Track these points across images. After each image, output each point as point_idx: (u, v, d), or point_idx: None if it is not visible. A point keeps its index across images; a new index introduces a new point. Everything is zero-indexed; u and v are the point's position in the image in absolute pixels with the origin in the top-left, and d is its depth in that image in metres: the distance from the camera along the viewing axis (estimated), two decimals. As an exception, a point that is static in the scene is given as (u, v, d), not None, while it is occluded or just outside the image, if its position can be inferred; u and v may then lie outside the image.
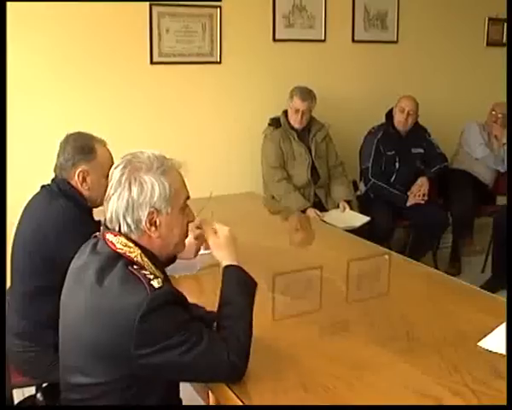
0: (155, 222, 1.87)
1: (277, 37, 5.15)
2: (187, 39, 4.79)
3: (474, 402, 1.81)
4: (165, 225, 1.89)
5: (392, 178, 5.10)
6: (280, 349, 2.10)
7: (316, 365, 2.02)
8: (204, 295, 2.05)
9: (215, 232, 2.10)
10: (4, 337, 1.62)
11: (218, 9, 4.84)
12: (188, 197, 1.97)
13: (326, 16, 5.31)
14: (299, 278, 3.03)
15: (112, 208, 1.86)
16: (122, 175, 1.85)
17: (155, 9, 4.63)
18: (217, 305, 1.98)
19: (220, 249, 2.07)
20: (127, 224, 1.85)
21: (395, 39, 5.72)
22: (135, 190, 1.83)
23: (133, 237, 1.86)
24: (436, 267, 4.93)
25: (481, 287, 4.92)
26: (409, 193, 5.06)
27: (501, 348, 2.08)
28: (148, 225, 1.85)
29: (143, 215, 1.84)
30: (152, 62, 4.70)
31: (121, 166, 1.87)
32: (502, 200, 5.66)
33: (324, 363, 2.03)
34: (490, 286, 4.99)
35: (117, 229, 1.86)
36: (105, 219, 1.90)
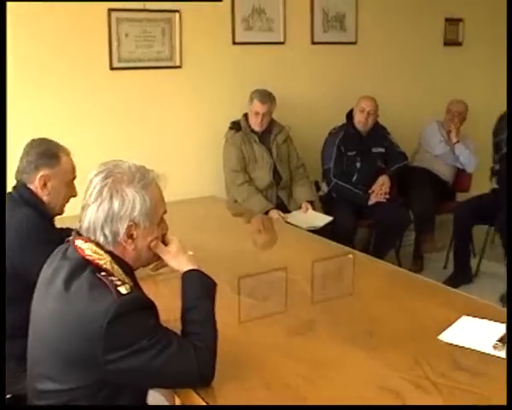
0: (132, 235, 1.88)
1: (237, 40, 5.17)
2: (146, 44, 4.78)
3: (435, 394, 1.84)
4: (142, 238, 1.91)
5: (354, 178, 5.14)
6: (245, 351, 2.11)
7: (280, 364, 2.04)
8: (163, 300, 2.04)
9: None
10: (4, 337, 1.63)
11: (177, 14, 4.84)
12: (165, 211, 1.99)
13: (285, 19, 5.34)
14: (263, 279, 3.04)
15: (90, 218, 1.86)
16: (104, 186, 1.85)
17: (114, 15, 4.59)
18: (180, 310, 1.97)
19: (175, 258, 2.04)
20: (104, 235, 1.85)
21: (354, 40, 5.78)
22: (116, 202, 1.84)
23: (107, 247, 1.87)
24: (399, 265, 5.00)
25: (444, 282, 5.04)
26: (370, 192, 5.10)
27: (460, 341, 2.13)
28: (125, 237, 1.86)
29: (122, 228, 1.85)
30: (112, 68, 4.67)
31: (102, 176, 1.87)
32: (461, 196, 5.76)
33: (288, 362, 2.05)
34: (452, 281, 5.10)
35: (92, 238, 1.86)
36: (80, 227, 1.90)
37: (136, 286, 1.93)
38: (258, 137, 4.85)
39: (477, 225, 5.31)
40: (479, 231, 5.39)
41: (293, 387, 1.91)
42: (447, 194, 5.73)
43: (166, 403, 2.21)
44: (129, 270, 1.92)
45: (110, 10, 4.58)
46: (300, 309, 2.56)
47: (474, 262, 5.38)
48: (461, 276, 5.21)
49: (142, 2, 4.67)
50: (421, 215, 5.39)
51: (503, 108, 6.12)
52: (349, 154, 5.14)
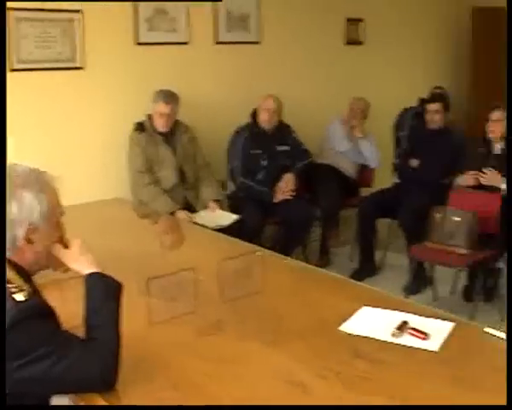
0: (31, 239, 1.85)
1: (140, 40, 5.14)
2: (46, 45, 4.68)
3: (337, 383, 1.90)
4: (41, 241, 1.88)
5: (260, 176, 5.19)
6: (153, 352, 2.10)
7: (187, 364, 2.05)
8: (69, 305, 2.02)
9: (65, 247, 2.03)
10: (4, 337, 1.59)
11: (80, 14, 4.77)
12: (62, 213, 1.96)
13: (189, 19, 5.35)
14: (172, 280, 3.04)
15: None
16: None
17: (12, 15, 4.48)
18: (82, 315, 1.94)
19: (76, 260, 2.02)
20: None
21: (258, 40, 5.85)
22: (14, 207, 1.80)
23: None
24: (306, 261, 5.06)
25: (351, 276, 5.17)
26: (276, 190, 5.16)
27: (360, 331, 2.20)
28: (24, 242, 1.83)
29: (20, 233, 1.82)
30: (12, 69, 4.55)
31: None
32: (365, 191, 5.91)
33: (196, 362, 2.06)
34: (358, 275, 5.24)
35: None
36: None
37: (35, 292, 1.89)
38: (162, 138, 4.83)
39: (380, 219, 5.47)
40: (382, 224, 5.55)
41: (201, 386, 1.92)
42: (351, 189, 5.86)
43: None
44: (27, 275, 1.89)
45: (9, 9, 4.46)
46: (209, 309, 2.58)
47: (378, 255, 5.53)
48: (366, 269, 5.35)
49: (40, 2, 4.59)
50: (327, 211, 5.52)
51: (404, 104, 6.35)
52: (254, 152, 5.19)
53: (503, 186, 4.68)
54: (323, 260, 5.61)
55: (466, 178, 4.89)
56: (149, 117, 4.86)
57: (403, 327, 2.19)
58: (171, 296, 2.81)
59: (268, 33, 5.88)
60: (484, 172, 4.79)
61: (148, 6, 5.13)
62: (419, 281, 5.00)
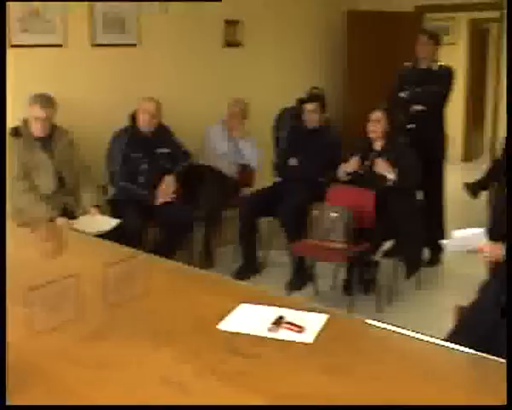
0: None
1: (14, 42, 4.98)
2: None
3: (214, 381, 1.93)
4: None
5: (140, 179, 5.16)
6: (31, 362, 2.06)
7: (66, 372, 2.02)
8: None
9: None
10: (5, 336, 1.49)
11: None
12: None
13: (64, 21, 5.24)
14: (53, 289, 2.96)
15: None
16: None
17: None
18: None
19: None
20: None
21: (136, 42, 5.81)
22: None
23: None
24: (190, 262, 5.08)
25: (235, 275, 5.24)
26: (157, 192, 5.14)
27: (237, 328, 2.25)
28: None
29: None
30: None
31: None
32: (246, 191, 5.99)
33: (75, 369, 2.03)
34: (242, 273, 5.33)
35: None
36: None
37: None
38: (39, 143, 4.71)
39: (262, 218, 5.57)
40: (264, 223, 5.66)
41: (77, 393, 1.90)
42: (232, 190, 5.92)
43: None
44: None
45: None
46: (90, 315, 2.55)
47: (261, 253, 5.63)
48: (249, 268, 5.44)
49: None
50: (209, 212, 5.56)
51: (283, 104, 6.50)
52: (135, 155, 5.16)
53: (390, 176, 4.89)
54: (207, 261, 5.65)
55: (351, 163, 5.06)
56: (25, 122, 4.73)
57: (279, 322, 2.25)
58: (53, 305, 2.75)
59: (146, 35, 5.85)
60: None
61: (21, 6, 4.97)
62: (301, 277, 5.14)
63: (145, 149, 5.20)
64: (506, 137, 4.86)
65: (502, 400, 1.74)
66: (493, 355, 2.07)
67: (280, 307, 2.40)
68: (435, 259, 5.88)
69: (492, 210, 3.81)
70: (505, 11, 7.44)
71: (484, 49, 11.10)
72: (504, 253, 3.49)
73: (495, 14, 8.03)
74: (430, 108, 5.63)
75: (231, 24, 6.67)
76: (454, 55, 10.10)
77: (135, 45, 5.82)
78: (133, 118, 5.26)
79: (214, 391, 1.90)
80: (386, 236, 5.08)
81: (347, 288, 5.01)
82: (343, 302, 4.78)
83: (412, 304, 5.00)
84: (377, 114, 5.08)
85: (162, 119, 5.37)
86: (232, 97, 6.05)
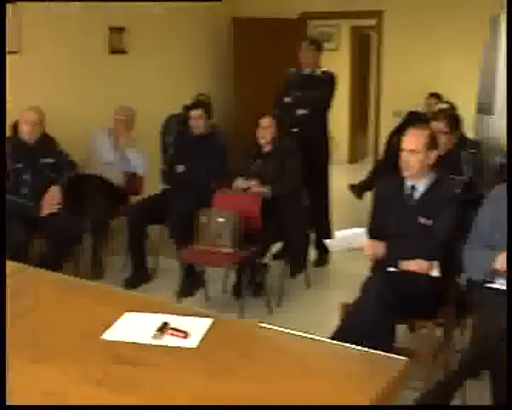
0: None
1: None
2: None
3: (100, 390, 1.93)
4: None
5: (24, 190, 5.04)
6: None
7: None
8: None
9: None
10: (5, 335, 1.36)
11: None
12: None
13: None
14: None
15: None
16: None
17: None
18: None
19: None
20: None
21: (16, 50, 5.66)
22: None
23: None
24: (77, 274, 4.99)
25: (124, 285, 5.20)
26: (42, 203, 5.03)
27: (122, 337, 2.25)
28: None
29: None
30: None
31: None
32: (134, 199, 5.95)
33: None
34: (131, 282, 5.30)
35: None
36: None
37: None
38: None
39: (151, 225, 5.55)
40: (154, 230, 5.64)
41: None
42: (120, 198, 5.89)
43: None
44: None
45: None
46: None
47: (151, 261, 5.61)
48: (139, 276, 5.41)
49: None
50: (96, 222, 5.48)
51: (170, 111, 6.52)
52: (17, 166, 5.02)
53: (266, 191, 5.00)
54: (96, 271, 5.56)
55: (245, 183, 5.12)
56: None
57: (163, 328, 2.27)
58: None
59: (27, 42, 5.72)
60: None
61: None
62: (191, 284, 5.15)
63: (28, 159, 5.08)
64: (506, 137, 4.89)
65: (387, 392, 1.83)
66: (376, 349, 2.16)
67: (165, 313, 2.41)
68: (323, 259, 6.03)
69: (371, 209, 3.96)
70: (383, 20, 7.80)
71: (366, 54, 11.48)
72: (384, 250, 3.64)
73: (373, 22, 8.35)
74: (313, 111, 5.78)
75: (116, 31, 6.63)
76: (338, 61, 10.42)
77: (16, 53, 5.66)
78: (15, 128, 5.13)
79: (99, 399, 1.89)
80: (274, 238, 5.18)
81: (237, 291, 5.07)
82: (234, 306, 4.83)
83: (302, 304, 5.12)
84: (266, 121, 5.18)
85: (46, 128, 5.25)
86: (118, 105, 6.00)
